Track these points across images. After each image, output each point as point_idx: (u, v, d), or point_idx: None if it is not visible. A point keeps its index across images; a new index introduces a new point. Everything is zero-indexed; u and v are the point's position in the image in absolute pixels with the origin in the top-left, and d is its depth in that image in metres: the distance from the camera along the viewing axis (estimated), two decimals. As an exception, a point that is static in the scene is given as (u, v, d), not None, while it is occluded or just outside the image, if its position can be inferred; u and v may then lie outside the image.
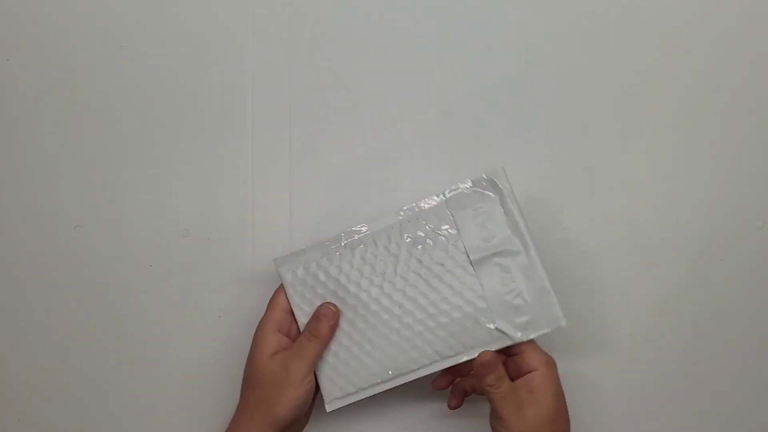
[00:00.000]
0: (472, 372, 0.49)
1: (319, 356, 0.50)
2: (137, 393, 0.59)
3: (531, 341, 0.49)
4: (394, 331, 0.50)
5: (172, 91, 0.59)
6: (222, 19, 0.60)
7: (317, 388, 0.52)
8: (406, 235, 0.51)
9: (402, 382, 0.51)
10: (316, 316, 0.50)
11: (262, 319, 0.52)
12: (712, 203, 0.59)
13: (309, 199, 0.59)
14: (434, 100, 0.59)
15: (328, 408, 0.51)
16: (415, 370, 0.51)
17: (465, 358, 0.50)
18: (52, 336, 0.59)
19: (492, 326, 0.49)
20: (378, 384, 0.51)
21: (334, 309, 0.51)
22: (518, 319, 0.49)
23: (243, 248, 0.59)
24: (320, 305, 0.51)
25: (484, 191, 0.51)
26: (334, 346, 0.51)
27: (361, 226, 0.52)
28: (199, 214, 0.59)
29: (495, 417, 0.48)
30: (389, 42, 0.59)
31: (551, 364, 0.49)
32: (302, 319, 0.52)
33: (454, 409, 0.54)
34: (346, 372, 0.51)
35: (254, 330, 0.52)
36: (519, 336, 0.49)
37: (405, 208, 0.52)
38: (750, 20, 0.60)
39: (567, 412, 0.49)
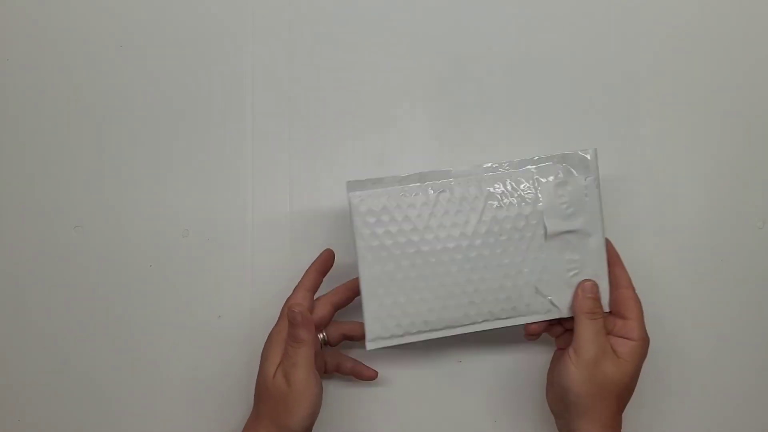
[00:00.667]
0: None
1: (311, 358, 0.49)
2: (137, 393, 0.59)
3: (641, 312, 0.50)
4: (457, 284, 0.50)
5: (172, 91, 0.59)
6: (222, 19, 0.60)
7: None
8: (489, 190, 0.50)
9: (449, 335, 0.51)
10: (290, 322, 0.49)
11: (275, 327, 0.52)
12: (712, 203, 0.59)
13: (309, 198, 0.59)
14: (435, 99, 0.59)
15: (369, 347, 0.50)
16: (465, 325, 0.51)
17: (515, 323, 0.51)
18: (52, 336, 0.59)
19: (548, 298, 0.51)
20: (426, 332, 0.51)
21: (299, 309, 0.49)
22: (570, 297, 0.51)
23: (243, 248, 0.59)
24: (288, 305, 0.50)
25: (574, 168, 0.51)
26: (391, 285, 0.50)
27: (447, 171, 0.51)
28: (199, 214, 0.59)
29: (574, 354, 0.48)
30: (389, 41, 0.59)
31: (647, 343, 0.50)
32: (363, 254, 0.50)
33: (532, 336, 0.53)
34: (397, 313, 0.50)
35: (257, 327, 0.52)
36: (567, 312, 0.51)
37: (493, 164, 0.51)
38: (751, 21, 0.60)
39: (632, 392, 0.50)
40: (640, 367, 0.50)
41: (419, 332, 0.51)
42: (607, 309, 0.51)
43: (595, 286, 0.50)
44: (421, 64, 0.59)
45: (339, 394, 0.58)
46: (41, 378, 0.59)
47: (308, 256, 0.56)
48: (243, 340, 0.58)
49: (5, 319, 0.59)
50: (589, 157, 0.51)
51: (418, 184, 0.50)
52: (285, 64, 0.59)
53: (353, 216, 0.50)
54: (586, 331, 0.49)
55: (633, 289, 0.51)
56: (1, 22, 0.60)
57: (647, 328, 0.50)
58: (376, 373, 0.55)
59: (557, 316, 0.51)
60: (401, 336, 0.51)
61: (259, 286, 0.58)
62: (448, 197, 0.50)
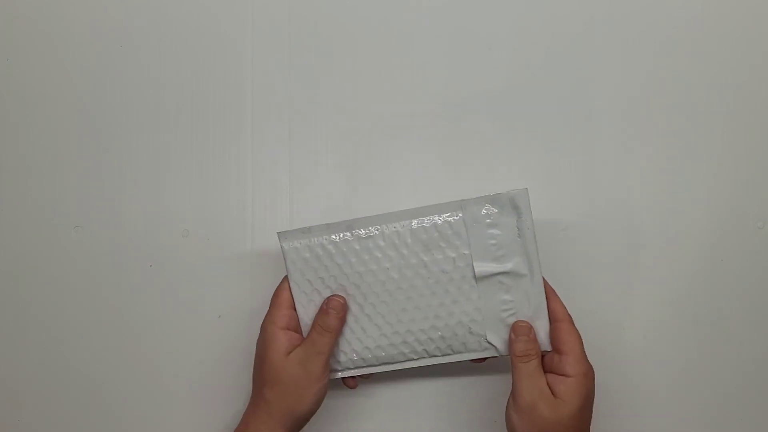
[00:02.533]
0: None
1: (333, 348, 0.50)
2: (137, 393, 0.59)
3: (578, 345, 0.49)
4: (388, 325, 0.51)
5: (171, 91, 0.59)
6: (222, 19, 0.60)
7: None
8: (416, 237, 0.50)
9: (385, 370, 0.53)
10: (324, 310, 0.51)
11: (268, 317, 0.51)
12: (712, 203, 0.59)
13: (309, 198, 0.59)
14: (435, 100, 0.59)
15: None
16: (401, 362, 0.52)
17: (452, 360, 0.52)
18: (52, 336, 0.59)
19: (483, 337, 0.51)
20: (364, 367, 0.53)
21: (341, 301, 0.51)
22: (507, 335, 0.51)
23: (243, 248, 0.59)
24: (328, 297, 0.51)
25: (503, 210, 0.50)
26: None
27: (371, 218, 0.51)
28: (199, 214, 0.59)
29: (512, 398, 0.48)
30: (389, 42, 0.59)
31: (588, 376, 0.48)
32: (298, 297, 0.52)
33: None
34: (334, 351, 0.52)
35: (258, 327, 0.51)
36: (505, 351, 0.51)
37: (419, 207, 0.51)
38: (753, 22, 0.60)
39: (586, 429, 0.48)
40: (585, 403, 0.47)
41: (357, 368, 0.53)
42: (548, 347, 0.50)
43: (527, 326, 0.50)
44: (421, 64, 0.59)
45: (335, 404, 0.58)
46: (41, 378, 0.59)
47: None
48: (243, 340, 0.58)
49: (5, 319, 0.59)
50: (519, 198, 0.49)
51: (346, 231, 0.51)
52: (285, 65, 0.59)
53: (287, 264, 0.52)
54: (519, 375, 0.47)
55: (569, 321, 0.50)
56: (1, 22, 0.60)
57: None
58: (356, 383, 0.55)
59: (494, 355, 0.51)
60: (340, 371, 0.53)
61: (259, 287, 0.58)
62: (380, 244, 0.51)
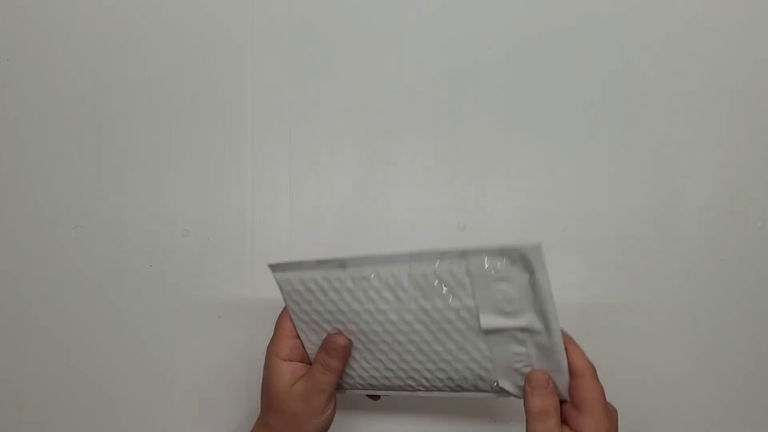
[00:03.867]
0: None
1: (335, 384, 0.49)
2: (137, 393, 0.59)
3: (600, 402, 0.44)
4: (392, 362, 0.48)
5: (172, 91, 0.59)
6: (221, 19, 0.60)
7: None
8: (415, 282, 0.45)
9: (392, 394, 0.50)
10: (326, 349, 0.48)
11: (271, 346, 0.50)
12: (712, 203, 0.59)
13: (309, 199, 0.59)
14: (435, 99, 0.59)
15: None
16: (409, 392, 0.50)
17: (461, 397, 0.49)
18: (52, 336, 0.59)
19: (494, 382, 0.47)
20: (371, 389, 0.51)
21: (342, 343, 0.48)
22: (522, 382, 0.46)
23: (243, 248, 0.59)
24: (329, 336, 0.49)
25: (513, 265, 0.42)
26: None
27: (366, 258, 0.46)
28: (199, 214, 0.59)
29: None
30: (389, 42, 0.59)
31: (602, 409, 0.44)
32: (298, 324, 0.49)
33: None
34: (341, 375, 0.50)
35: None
36: (520, 394, 0.46)
37: (419, 251, 0.45)
38: (752, 21, 0.60)
39: None
40: None
41: (364, 389, 0.51)
42: (565, 397, 0.45)
43: (545, 377, 0.44)
44: (421, 64, 0.59)
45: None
46: (41, 378, 0.59)
47: (308, 256, 0.56)
48: (243, 340, 0.58)
49: (5, 319, 0.59)
50: (531, 255, 0.42)
51: (339, 269, 0.46)
52: (285, 65, 0.59)
53: (283, 294, 0.49)
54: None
55: (591, 375, 0.45)
56: (1, 22, 0.60)
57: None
58: (379, 396, 0.53)
59: (506, 397, 0.47)
60: (348, 389, 0.51)
61: (259, 287, 0.58)
62: (376, 287, 0.46)
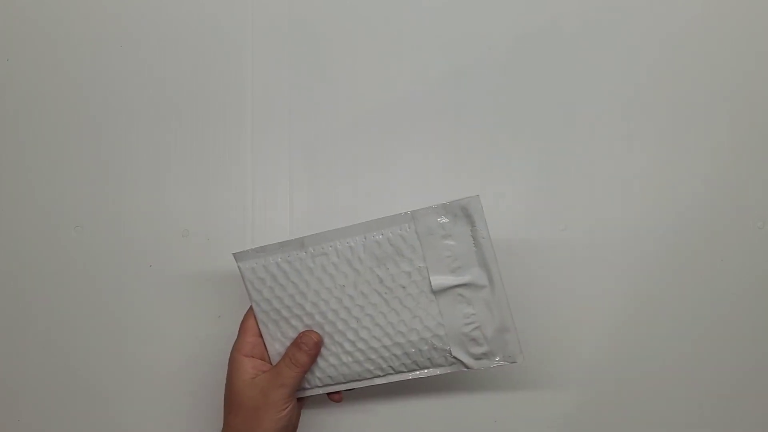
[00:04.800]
0: None
1: (299, 382, 0.50)
2: (137, 393, 0.59)
3: None
4: (350, 342, 0.50)
5: (172, 91, 0.59)
6: (221, 19, 0.60)
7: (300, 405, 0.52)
8: (370, 251, 0.49)
9: (353, 387, 0.52)
10: (297, 344, 0.50)
11: (235, 344, 0.51)
12: (712, 203, 0.59)
13: (309, 199, 0.59)
14: (435, 99, 0.59)
15: None
16: (368, 379, 0.51)
17: (419, 376, 0.50)
18: (52, 336, 0.59)
19: (447, 352, 0.49)
20: (330, 385, 0.52)
21: (315, 339, 0.50)
22: (474, 349, 0.49)
23: (243, 248, 0.59)
24: (302, 332, 0.51)
25: (456, 220, 0.48)
26: (288, 344, 0.51)
27: (324, 234, 0.50)
28: (199, 214, 0.59)
29: None
30: (389, 41, 0.59)
31: None
32: (260, 316, 0.51)
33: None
34: None
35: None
36: (474, 365, 0.49)
37: (372, 220, 0.49)
38: (752, 21, 0.60)
39: None
40: None
41: (325, 385, 0.52)
42: (519, 359, 0.49)
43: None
44: (421, 64, 0.59)
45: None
46: (41, 378, 0.59)
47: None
48: (243, 340, 0.58)
49: (5, 319, 0.59)
50: (471, 206, 0.47)
51: (300, 250, 0.50)
52: (285, 65, 0.59)
53: (245, 284, 0.51)
54: None
55: None
56: (1, 22, 0.60)
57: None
58: (341, 397, 0.54)
59: (462, 369, 0.50)
60: (308, 389, 0.52)
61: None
62: (334, 261, 0.49)
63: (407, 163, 0.59)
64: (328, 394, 0.53)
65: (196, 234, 0.59)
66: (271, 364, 0.52)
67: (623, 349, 0.59)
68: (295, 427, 0.53)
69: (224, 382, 0.58)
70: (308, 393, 0.52)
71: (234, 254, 0.51)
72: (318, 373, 0.51)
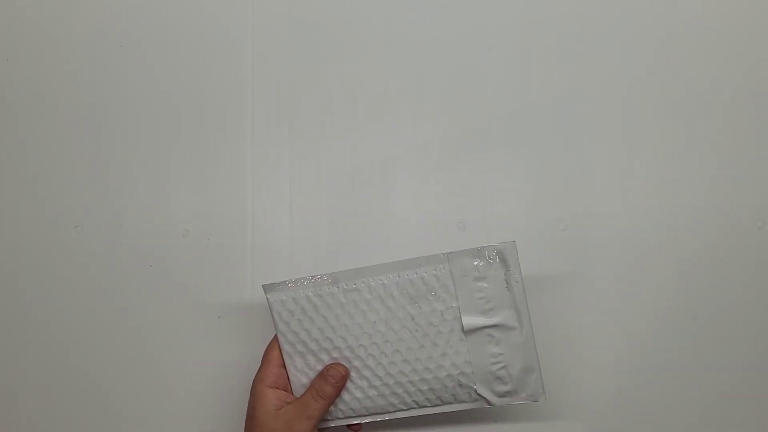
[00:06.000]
0: None
1: (324, 414, 0.50)
2: (137, 393, 0.59)
3: None
4: (377, 377, 0.51)
5: (172, 91, 0.59)
6: (221, 19, 0.60)
7: None
8: (403, 289, 0.50)
9: (375, 420, 0.52)
10: (323, 376, 0.50)
11: (258, 374, 0.51)
12: (712, 203, 0.59)
13: (309, 199, 0.59)
14: (435, 99, 0.59)
15: None
16: (390, 413, 0.52)
17: (442, 411, 0.51)
18: (52, 336, 0.59)
19: (473, 389, 0.50)
20: (352, 417, 0.52)
21: (342, 372, 0.50)
22: (498, 387, 0.50)
23: (243, 248, 0.59)
24: (329, 365, 0.51)
25: (492, 262, 0.49)
26: (314, 377, 0.51)
27: (357, 271, 0.51)
28: (199, 214, 0.59)
29: None
30: (389, 41, 0.59)
31: None
32: (285, 347, 0.51)
33: None
34: None
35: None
36: (497, 402, 0.51)
37: (406, 260, 0.50)
38: (751, 21, 0.60)
39: None
40: None
41: (346, 417, 0.52)
42: (541, 398, 0.50)
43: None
44: (421, 63, 0.59)
45: None
46: (41, 378, 0.59)
47: (308, 257, 0.56)
48: (243, 340, 0.58)
49: (5, 319, 0.59)
50: (507, 251, 0.49)
51: (332, 285, 0.50)
52: (285, 64, 0.59)
53: (273, 315, 0.51)
54: None
55: None
56: (1, 22, 0.60)
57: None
58: (361, 427, 0.54)
59: (485, 406, 0.51)
60: (330, 420, 0.53)
61: (259, 287, 0.58)
62: (366, 297, 0.50)
63: (407, 163, 0.59)
64: (349, 425, 0.53)
65: (196, 234, 0.59)
66: (294, 395, 0.51)
67: (623, 350, 0.59)
68: None
69: (223, 381, 0.58)
70: (330, 424, 0.53)
71: (264, 286, 0.51)
72: (341, 406, 0.52)
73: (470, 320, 0.50)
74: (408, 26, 0.59)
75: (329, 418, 0.52)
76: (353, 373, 0.51)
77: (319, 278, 0.51)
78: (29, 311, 0.59)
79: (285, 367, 0.52)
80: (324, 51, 0.59)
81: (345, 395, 0.51)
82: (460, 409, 0.51)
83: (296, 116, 0.59)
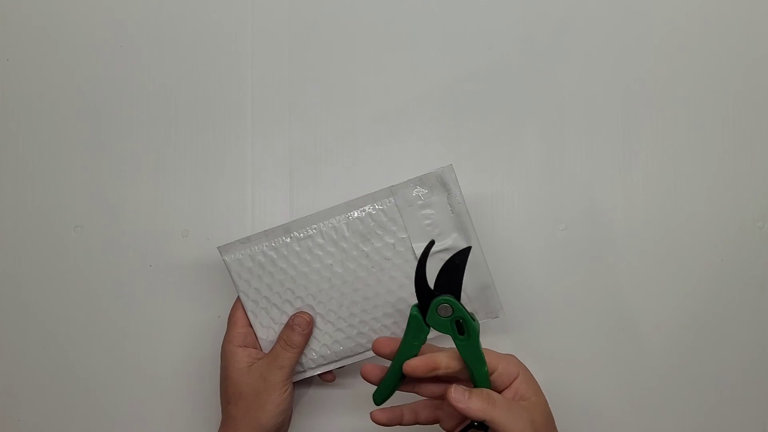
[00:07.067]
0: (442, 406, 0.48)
1: (295, 363, 0.51)
2: (137, 393, 0.59)
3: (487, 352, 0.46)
4: (342, 320, 0.52)
5: (172, 91, 0.59)
6: (221, 19, 0.60)
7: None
8: (354, 228, 0.51)
9: (347, 363, 0.53)
10: (290, 325, 0.51)
11: (226, 336, 0.52)
12: (712, 203, 0.59)
13: (309, 199, 0.59)
14: (435, 99, 0.59)
15: None
16: (360, 353, 0.53)
17: None
18: (52, 336, 0.59)
19: None
20: (324, 365, 0.53)
21: (307, 318, 0.51)
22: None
23: (243, 248, 0.59)
24: (294, 314, 0.52)
25: (433, 189, 0.51)
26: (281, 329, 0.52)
27: (307, 218, 0.52)
28: (199, 214, 0.59)
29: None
30: (389, 41, 0.59)
31: (518, 363, 0.47)
32: (249, 305, 0.52)
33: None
34: None
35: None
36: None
37: (353, 199, 0.52)
38: (750, 21, 0.60)
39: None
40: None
41: (318, 366, 0.53)
42: (501, 313, 0.51)
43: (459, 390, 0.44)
44: (421, 63, 0.59)
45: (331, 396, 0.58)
46: (41, 378, 0.59)
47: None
48: (243, 340, 0.58)
49: (5, 319, 0.59)
50: (445, 175, 0.51)
51: (284, 236, 0.52)
52: (285, 64, 0.59)
53: (232, 275, 0.52)
54: (495, 420, 0.42)
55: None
56: (1, 22, 0.60)
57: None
58: (334, 377, 0.55)
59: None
60: (302, 372, 0.54)
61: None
62: (320, 242, 0.51)
63: (406, 164, 0.59)
64: (320, 375, 0.54)
65: (196, 234, 0.59)
66: (263, 352, 0.52)
67: (622, 350, 0.59)
68: (290, 414, 0.54)
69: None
70: (304, 375, 0.54)
71: (219, 248, 0.52)
72: (311, 355, 0.53)
73: (420, 248, 0.50)
74: (408, 26, 0.59)
75: (301, 369, 0.53)
76: (318, 320, 0.52)
77: (271, 231, 0.52)
78: (29, 311, 0.59)
79: (251, 326, 0.53)
80: (324, 51, 0.59)
81: (313, 343, 0.52)
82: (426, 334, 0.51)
83: (296, 116, 0.59)
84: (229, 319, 0.53)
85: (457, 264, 0.45)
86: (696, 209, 0.59)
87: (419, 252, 0.50)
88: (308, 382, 0.57)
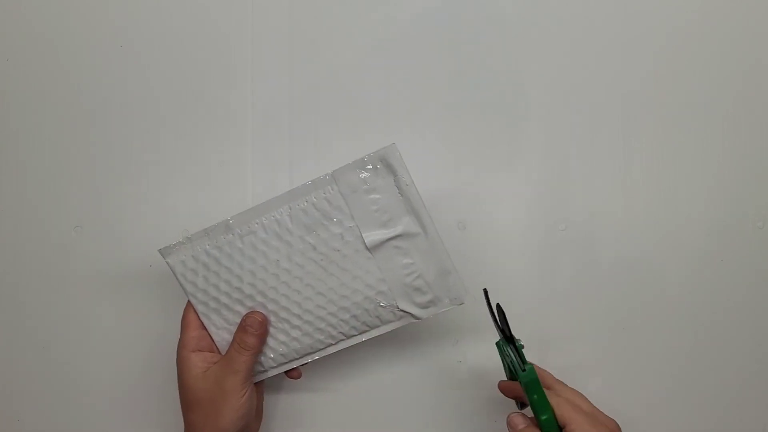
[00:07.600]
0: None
1: (252, 366, 0.49)
2: (137, 392, 0.59)
3: (560, 392, 0.46)
4: (296, 316, 0.50)
5: (172, 91, 0.59)
6: (221, 20, 0.60)
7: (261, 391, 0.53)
8: (297, 220, 0.48)
9: (309, 360, 0.51)
10: (242, 327, 0.49)
11: (180, 342, 0.51)
12: (712, 203, 0.59)
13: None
14: (435, 99, 0.59)
15: None
16: (321, 350, 0.51)
17: (370, 336, 0.50)
18: (52, 336, 0.59)
19: (395, 307, 0.49)
20: (284, 363, 0.51)
21: (259, 318, 0.49)
22: (419, 299, 0.49)
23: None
24: (245, 315, 0.50)
25: (377, 172, 0.47)
26: (235, 330, 0.50)
27: (248, 212, 0.49)
28: (199, 214, 0.59)
29: None
30: (389, 41, 0.59)
31: (579, 410, 0.44)
32: (199, 308, 0.50)
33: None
34: None
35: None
36: (423, 314, 0.49)
37: (294, 189, 0.48)
38: (751, 22, 0.60)
39: None
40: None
41: (279, 365, 0.51)
42: (464, 300, 0.49)
43: (517, 417, 0.45)
44: (421, 61, 0.59)
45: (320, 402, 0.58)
46: (41, 378, 0.59)
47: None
48: (243, 340, 0.58)
49: (5, 319, 0.59)
50: (389, 155, 0.47)
51: (224, 231, 0.49)
52: (285, 63, 0.59)
53: (177, 278, 0.50)
54: None
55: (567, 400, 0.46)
56: (1, 22, 0.60)
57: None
58: (300, 373, 0.54)
59: (412, 321, 0.50)
60: (263, 371, 0.52)
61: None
62: (263, 237, 0.49)
63: (408, 162, 0.59)
64: (286, 373, 0.52)
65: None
66: (221, 354, 0.51)
67: (622, 350, 0.59)
68: (260, 412, 0.53)
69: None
70: (265, 375, 0.52)
71: (160, 250, 0.50)
72: (270, 354, 0.51)
73: (371, 236, 0.47)
74: (407, 25, 0.59)
75: (262, 369, 0.52)
76: (272, 318, 0.50)
77: (212, 229, 0.49)
78: (29, 311, 0.59)
79: (205, 329, 0.51)
80: (324, 50, 0.59)
81: (270, 342, 0.50)
82: (389, 329, 0.50)
83: (296, 116, 0.59)
84: (181, 322, 0.51)
85: (491, 308, 0.45)
86: (696, 209, 0.59)
87: (369, 240, 0.47)
88: (278, 387, 0.57)
